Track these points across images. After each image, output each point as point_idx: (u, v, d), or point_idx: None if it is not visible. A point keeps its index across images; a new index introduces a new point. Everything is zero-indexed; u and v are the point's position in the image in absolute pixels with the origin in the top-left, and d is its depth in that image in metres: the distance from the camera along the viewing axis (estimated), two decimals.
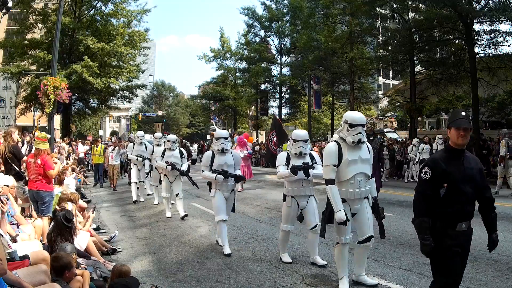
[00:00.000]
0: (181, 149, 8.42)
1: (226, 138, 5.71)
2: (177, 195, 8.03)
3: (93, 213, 7.03)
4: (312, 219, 4.89)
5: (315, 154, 5.12)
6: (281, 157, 5.09)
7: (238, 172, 5.78)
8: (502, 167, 10.99)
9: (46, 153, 5.90)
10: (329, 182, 3.91)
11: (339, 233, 4.11)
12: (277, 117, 21.79)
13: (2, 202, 4.36)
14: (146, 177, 10.36)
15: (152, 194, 10.58)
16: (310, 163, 4.87)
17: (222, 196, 5.61)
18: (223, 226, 5.53)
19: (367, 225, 4.12)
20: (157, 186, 9.68)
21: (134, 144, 10.45)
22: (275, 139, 14.08)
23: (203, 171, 5.63)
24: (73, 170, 12.52)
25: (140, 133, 10.84)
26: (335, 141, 4.05)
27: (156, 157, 8.37)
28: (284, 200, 5.02)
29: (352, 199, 3.99)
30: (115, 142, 13.98)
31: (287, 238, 5.12)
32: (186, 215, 7.81)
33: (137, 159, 10.03)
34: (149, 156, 10.02)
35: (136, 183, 10.19)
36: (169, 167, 7.89)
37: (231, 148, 6.09)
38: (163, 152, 8.17)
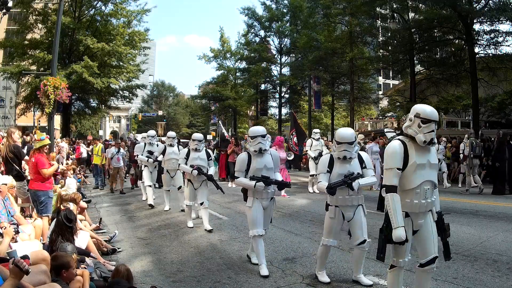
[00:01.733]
0: (208, 150, 7.43)
1: (263, 136, 4.75)
2: (201, 203, 6.98)
3: (99, 224, 7.08)
4: (359, 233, 4.17)
5: (365, 156, 4.36)
6: (323, 162, 4.28)
7: (279, 176, 4.92)
8: (465, 165, 11.61)
9: (43, 151, 5.90)
10: (390, 189, 3.13)
11: (396, 254, 3.31)
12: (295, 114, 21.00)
13: None
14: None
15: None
16: (355, 173, 4.11)
17: (261, 206, 4.74)
18: (260, 241, 4.66)
19: (431, 244, 3.34)
20: (168, 190, 9.01)
21: (145, 144, 9.86)
22: (295, 138, 13.58)
23: (237, 177, 4.77)
24: (73, 170, 12.54)
25: (152, 132, 10.22)
26: (399, 139, 3.29)
27: (179, 159, 7.25)
28: (326, 209, 4.30)
29: (416, 212, 3.23)
30: (117, 143, 12.92)
31: (327, 253, 4.39)
32: (211, 230, 6.74)
33: (147, 160, 9.51)
34: (160, 157, 9.20)
35: (150, 185, 9.50)
36: (195, 172, 6.77)
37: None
38: (188, 154, 7.02)
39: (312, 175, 11.61)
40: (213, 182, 6.92)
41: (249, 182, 4.66)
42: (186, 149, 7.22)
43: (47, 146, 6.11)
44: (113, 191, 12.22)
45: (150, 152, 9.72)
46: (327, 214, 4.31)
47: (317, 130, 12.51)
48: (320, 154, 11.38)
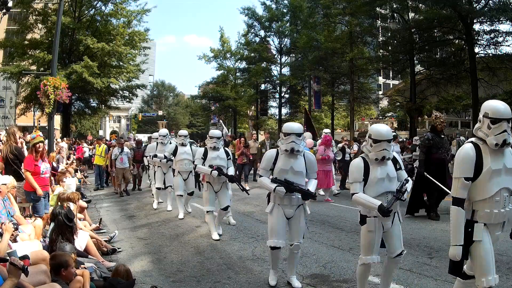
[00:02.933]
0: (226, 148, 6.70)
1: (299, 135, 4.04)
2: (225, 209, 6.32)
3: (99, 224, 7.07)
4: (397, 244, 3.61)
5: (398, 157, 3.80)
6: (356, 168, 3.54)
7: (312, 183, 4.20)
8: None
9: (36, 150, 5.88)
10: (457, 202, 2.82)
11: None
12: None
13: None
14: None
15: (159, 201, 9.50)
16: (403, 181, 3.54)
17: (282, 214, 4.11)
18: (274, 254, 4.17)
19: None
20: (181, 195, 8.12)
21: (157, 144, 9.09)
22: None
23: (261, 176, 4.24)
24: (75, 171, 12.53)
25: (164, 131, 9.41)
26: (471, 142, 2.91)
27: (196, 159, 6.47)
28: (363, 223, 3.59)
29: (495, 223, 2.92)
30: (120, 143, 12.10)
31: (368, 273, 3.74)
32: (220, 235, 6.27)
33: (160, 161, 8.69)
34: (170, 157, 8.65)
35: (160, 188, 8.87)
36: (215, 173, 6.03)
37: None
38: (205, 153, 6.28)
39: None
40: (236, 182, 6.31)
41: (270, 184, 4.04)
42: (202, 149, 6.51)
43: (41, 144, 6.04)
44: (122, 194, 11.36)
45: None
46: (364, 228, 3.60)
47: (327, 130, 11.62)
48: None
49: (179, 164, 8.00)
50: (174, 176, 8.16)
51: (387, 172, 3.51)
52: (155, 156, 8.75)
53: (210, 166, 6.08)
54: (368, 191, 3.47)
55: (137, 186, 12.77)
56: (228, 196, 6.38)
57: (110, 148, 12.64)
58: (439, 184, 6.77)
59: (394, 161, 3.64)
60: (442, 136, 7.70)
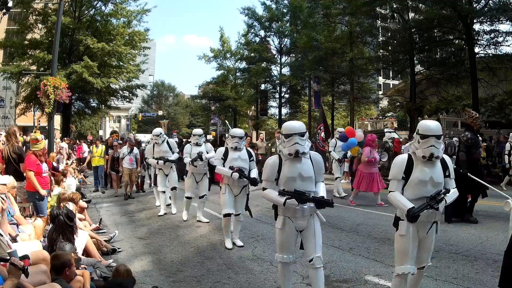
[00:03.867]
0: (250, 149, 6.21)
1: (302, 135, 3.51)
2: (238, 215, 5.90)
3: (99, 224, 7.07)
4: (424, 256, 3.37)
5: (449, 160, 3.38)
6: (398, 164, 3.31)
7: (321, 188, 3.63)
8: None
9: (38, 152, 5.90)
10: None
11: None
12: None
13: (2, 199, 4.35)
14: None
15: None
16: (442, 190, 3.19)
17: (293, 228, 3.58)
18: (284, 268, 3.72)
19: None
20: (190, 198, 7.74)
21: (153, 145, 8.43)
22: (322, 133, 12.62)
23: (264, 188, 3.65)
24: (78, 171, 12.51)
25: (157, 130, 8.62)
26: None
27: (215, 159, 5.98)
28: (397, 226, 3.33)
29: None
30: (130, 143, 11.26)
31: (404, 285, 3.38)
32: (235, 246, 5.76)
33: (164, 163, 8.15)
34: (174, 156, 8.33)
35: (164, 192, 8.37)
36: (236, 175, 5.54)
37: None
38: (225, 154, 5.79)
39: (337, 178, 10.59)
40: (247, 208, 5.64)
41: (278, 198, 3.47)
42: (223, 148, 6.03)
43: (45, 148, 6.10)
44: (126, 196, 10.74)
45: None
46: (398, 234, 3.31)
47: (342, 129, 11.15)
48: (345, 156, 10.43)
49: (192, 165, 7.42)
50: (186, 177, 7.60)
51: (432, 175, 3.19)
52: (160, 158, 8.14)
53: (231, 168, 5.59)
54: (407, 192, 3.25)
55: (140, 190, 12.20)
56: (245, 201, 5.79)
57: (110, 149, 12.09)
58: (487, 185, 6.39)
59: (445, 166, 3.30)
60: (478, 135, 7.53)
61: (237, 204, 5.82)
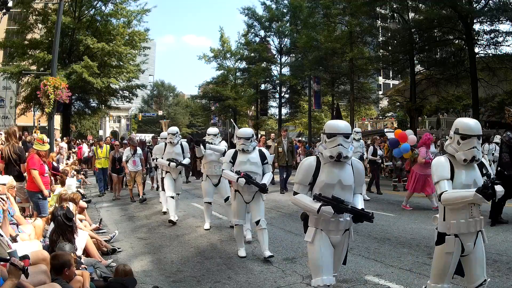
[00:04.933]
0: (264, 150, 5.53)
1: (347, 136, 3.10)
2: (257, 223, 5.20)
3: (99, 224, 7.07)
4: (479, 271, 2.98)
5: (485, 161, 3.17)
6: (441, 164, 2.97)
7: (359, 200, 3.21)
8: None
9: (43, 154, 5.91)
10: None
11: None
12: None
13: (2, 200, 4.35)
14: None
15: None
16: (490, 181, 2.71)
17: (328, 244, 3.11)
18: None
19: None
20: (210, 203, 7.08)
21: (165, 144, 7.77)
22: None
23: (296, 192, 3.18)
24: (77, 172, 12.48)
25: (174, 129, 7.84)
26: None
27: (223, 162, 5.50)
28: (440, 242, 3.00)
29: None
30: (132, 144, 10.69)
31: None
32: (271, 257, 5.08)
33: (169, 164, 7.50)
34: (185, 160, 7.71)
35: (173, 197, 7.66)
36: (242, 180, 5.01)
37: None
38: (234, 156, 5.30)
39: None
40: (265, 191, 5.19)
41: (312, 203, 3.01)
42: (232, 150, 5.48)
43: (44, 152, 6.11)
44: (133, 199, 10.40)
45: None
46: (440, 249, 2.99)
47: (358, 129, 10.54)
48: (362, 158, 9.93)
49: (208, 167, 6.92)
50: (202, 180, 7.02)
51: (474, 178, 2.93)
52: (172, 160, 7.49)
53: (237, 172, 5.08)
54: None
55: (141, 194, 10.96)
56: (262, 208, 5.27)
57: (111, 149, 11.70)
58: None
59: (480, 165, 3.03)
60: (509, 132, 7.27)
61: (253, 211, 5.22)
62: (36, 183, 5.69)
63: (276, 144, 12.29)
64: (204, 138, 7.11)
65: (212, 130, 7.25)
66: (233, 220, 5.35)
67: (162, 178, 8.12)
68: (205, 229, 6.89)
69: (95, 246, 5.15)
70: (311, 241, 3.11)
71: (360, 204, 3.15)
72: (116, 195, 10.97)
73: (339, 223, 3.09)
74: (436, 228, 3.08)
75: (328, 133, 3.10)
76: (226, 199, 6.92)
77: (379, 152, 11.58)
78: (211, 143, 6.87)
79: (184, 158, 7.71)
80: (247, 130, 5.50)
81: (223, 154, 6.49)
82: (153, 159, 9.36)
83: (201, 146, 6.77)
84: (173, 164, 7.46)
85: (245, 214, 5.39)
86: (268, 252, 5.08)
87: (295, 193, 3.17)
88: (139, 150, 10.64)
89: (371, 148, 11.40)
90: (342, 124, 3.14)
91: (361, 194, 3.30)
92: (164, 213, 8.35)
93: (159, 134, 10.57)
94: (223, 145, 7.12)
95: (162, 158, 7.71)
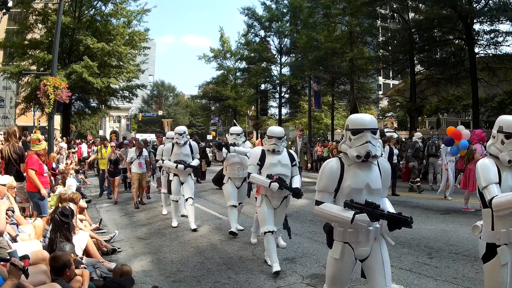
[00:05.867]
0: (291, 151, 5.06)
1: (374, 132, 2.72)
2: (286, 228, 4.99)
3: (99, 225, 7.06)
4: None
5: None
6: (487, 167, 2.70)
7: (388, 204, 2.83)
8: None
9: (41, 154, 5.91)
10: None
11: None
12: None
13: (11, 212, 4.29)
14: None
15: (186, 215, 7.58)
16: None
17: (351, 258, 2.76)
18: None
19: None
20: (235, 206, 6.42)
21: (172, 145, 7.22)
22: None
23: (319, 201, 2.73)
24: (77, 172, 12.47)
25: (181, 129, 7.32)
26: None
27: (250, 165, 4.95)
28: (491, 255, 2.68)
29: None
30: (138, 145, 9.97)
31: None
32: (278, 273, 4.53)
33: (176, 166, 6.90)
34: (194, 162, 7.15)
35: (177, 200, 7.37)
36: (275, 185, 4.55)
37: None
38: (262, 158, 4.82)
39: None
40: (287, 229, 4.86)
41: (344, 213, 2.59)
42: (259, 150, 4.94)
43: (46, 148, 6.12)
44: (137, 205, 9.66)
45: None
46: (493, 264, 2.67)
47: (392, 131, 10.53)
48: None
49: (230, 170, 6.46)
50: (224, 183, 6.60)
51: None
52: (180, 162, 6.92)
53: (269, 176, 4.63)
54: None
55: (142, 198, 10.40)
56: (283, 217, 4.95)
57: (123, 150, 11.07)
58: None
59: None
60: None
61: (277, 217, 4.82)
62: (33, 183, 5.70)
63: (289, 143, 11.51)
64: (225, 138, 6.72)
65: (236, 129, 6.72)
66: (263, 228, 4.70)
67: (169, 181, 7.49)
68: (231, 232, 6.23)
69: (95, 246, 5.15)
70: (337, 258, 2.75)
71: (391, 208, 2.76)
72: (114, 198, 10.33)
73: (369, 232, 2.68)
74: (480, 238, 2.77)
75: (354, 129, 2.69)
76: (240, 203, 6.54)
77: (395, 151, 11.37)
78: (235, 145, 6.40)
79: (193, 159, 7.18)
80: (278, 129, 4.91)
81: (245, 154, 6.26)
82: (156, 160, 8.95)
83: (224, 150, 6.45)
84: (181, 166, 6.89)
85: (273, 219, 4.80)
86: (278, 267, 4.62)
87: (318, 203, 2.72)
88: (145, 152, 9.92)
89: (387, 147, 11.14)
90: (368, 118, 2.74)
91: (386, 197, 2.89)
92: (175, 227, 7.40)
93: (161, 133, 10.39)
94: (248, 145, 6.73)
95: (170, 159, 7.16)
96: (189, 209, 7.01)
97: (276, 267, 4.52)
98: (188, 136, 7.42)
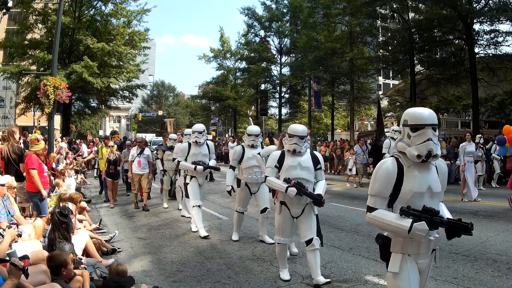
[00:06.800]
0: (316, 153, 4.51)
1: (434, 128, 2.45)
2: (308, 242, 4.23)
3: (99, 225, 7.05)
4: None
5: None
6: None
7: (444, 209, 2.61)
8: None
9: (40, 153, 5.91)
10: None
11: None
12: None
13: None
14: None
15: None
16: None
17: (416, 274, 2.48)
18: None
19: None
20: (242, 213, 6.29)
21: (189, 144, 6.73)
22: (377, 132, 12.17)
23: (372, 208, 2.52)
24: (76, 172, 12.44)
25: (200, 127, 6.77)
26: None
27: (268, 167, 4.40)
28: None
29: None
30: (139, 142, 9.69)
31: None
32: (328, 282, 4.18)
33: (195, 168, 6.39)
34: (212, 163, 6.65)
35: (199, 206, 6.65)
36: (292, 191, 4.00)
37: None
38: (281, 159, 4.30)
39: None
40: (319, 204, 4.13)
41: (401, 221, 2.31)
42: (277, 151, 4.43)
43: (46, 147, 6.11)
44: (138, 205, 9.42)
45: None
46: None
47: (398, 128, 9.20)
48: None
49: (247, 173, 5.93)
50: (238, 187, 6.12)
51: None
52: (198, 163, 6.43)
53: (286, 180, 4.06)
54: None
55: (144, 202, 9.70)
56: (313, 224, 4.27)
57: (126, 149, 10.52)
58: None
59: None
60: None
61: (303, 228, 4.24)
62: (35, 183, 5.69)
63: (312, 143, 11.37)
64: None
65: (254, 129, 6.17)
66: (276, 237, 4.35)
67: (186, 184, 6.85)
68: (234, 240, 6.04)
69: (95, 246, 5.15)
70: (398, 271, 2.41)
71: (448, 214, 2.51)
72: (112, 202, 9.72)
73: (430, 242, 2.41)
74: None
75: (413, 125, 2.42)
76: (263, 210, 5.93)
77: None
78: (254, 147, 5.91)
79: (210, 160, 6.73)
80: (300, 127, 4.34)
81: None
82: (174, 159, 8.29)
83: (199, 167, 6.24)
84: (200, 167, 6.36)
85: (291, 231, 4.44)
86: (322, 278, 4.14)
87: (370, 209, 2.46)
88: (146, 151, 9.41)
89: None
90: (427, 113, 2.42)
91: (442, 201, 2.63)
92: (206, 237, 6.52)
93: (161, 134, 10.20)
94: (273, 148, 5.81)
95: (186, 160, 6.61)
96: (197, 213, 6.66)
97: (285, 275, 4.39)
98: (207, 135, 7.01)
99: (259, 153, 5.84)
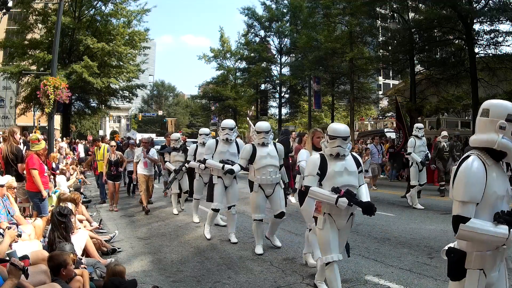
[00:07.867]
0: (355, 154, 3.83)
1: (502, 127, 2.21)
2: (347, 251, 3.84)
3: (99, 225, 7.04)
4: None
5: None
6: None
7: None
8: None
9: (39, 152, 5.92)
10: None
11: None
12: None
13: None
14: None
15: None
16: None
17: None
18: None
19: None
20: (261, 220, 5.54)
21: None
22: (401, 131, 11.26)
23: (464, 217, 2.28)
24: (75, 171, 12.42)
25: (230, 122, 6.34)
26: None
27: (306, 174, 3.66)
28: None
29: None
30: (145, 142, 9.42)
31: None
32: None
33: (223, 167, 5.86)
34: (242, 163, 5.65)
35: (218, 210, 6.34)
36: (343, 202, 3.36)
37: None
38: (322, 165, 3.58)
39: (414, 186, 8.80)
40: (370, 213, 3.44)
41: (497, 229, 2.10)
42: (315, 156, 3.68)
43: (46, 147, 6.12)
44: (146, 209, 8.72)
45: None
46: None
47: (421, 125, 9.09)
48: (427, 158, 8.86)
49: (261, 174, 5.37)
50: (252, 191, 5.56)
51: None
52: (227, 162, 5.96)
53: (335, 190, 3.41)
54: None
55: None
56: (347, 236, 3.79)
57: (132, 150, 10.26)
58: None
59: None
60: None
61: (340, 242, 3.63)
62: (35, 183, 5.68)
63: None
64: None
65: (264, 125, 5.57)
66: (326, 256, 3.52)
67: (213, 185, 6.31)
68: (258, 254, 5.35)
69: (95, 246, 5.15)
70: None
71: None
72: (112, 206, 9.24)
73: (504, 251, 2.23)
74: None
75: (504, 120, 2.16)
76: (279, 216, 5.50)
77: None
78: (264, 144, 5.42)
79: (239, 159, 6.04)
80: (342, 126, 3.66)
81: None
82: (188, 161, 7.83)
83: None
84: (228, 167, 5.81)
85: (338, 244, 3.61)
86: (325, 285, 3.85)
87: (465, 219, 2.18)
88: (152, 151, 9.11)
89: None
90: (510, 105, 2.21)
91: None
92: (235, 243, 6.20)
93: (162, 134, 10.01)
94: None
95: (212, 158, 6.09)
96: (230, 218, 6.16)
97: None
98: (238, 132, 6.50)
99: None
